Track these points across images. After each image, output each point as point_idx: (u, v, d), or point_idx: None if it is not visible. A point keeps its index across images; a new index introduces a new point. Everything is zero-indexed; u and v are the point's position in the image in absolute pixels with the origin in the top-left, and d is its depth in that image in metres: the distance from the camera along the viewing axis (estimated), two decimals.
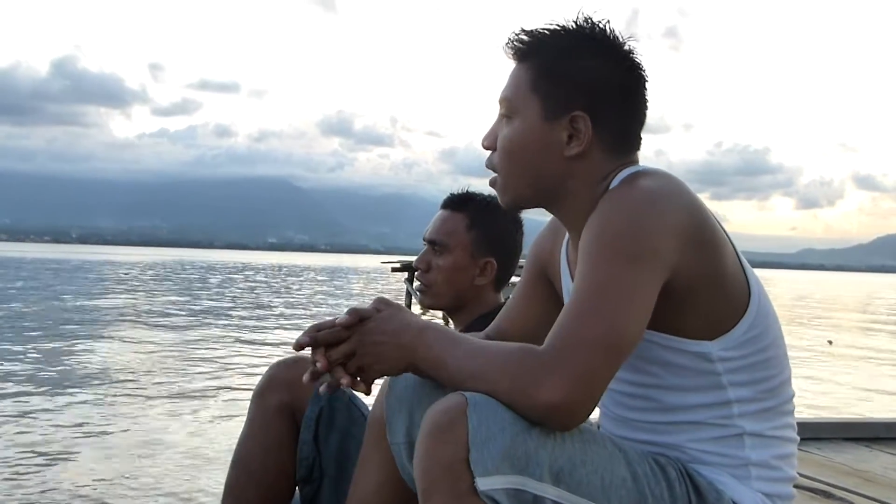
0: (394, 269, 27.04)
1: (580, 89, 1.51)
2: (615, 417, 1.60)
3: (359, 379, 1.50)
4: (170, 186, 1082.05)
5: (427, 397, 1.51)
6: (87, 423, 7.03)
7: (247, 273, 54.41)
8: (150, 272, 49.42)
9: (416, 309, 21.95)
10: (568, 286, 1.67)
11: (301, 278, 48.67)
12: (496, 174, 1.61)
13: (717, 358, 1.47)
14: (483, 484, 1.26)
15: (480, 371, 1.35)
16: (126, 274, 45.17)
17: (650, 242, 1.36)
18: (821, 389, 10.60)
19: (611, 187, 1.51)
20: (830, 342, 17.81)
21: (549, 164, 1.54)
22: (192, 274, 48.94)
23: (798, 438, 1.59)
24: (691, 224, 1.41)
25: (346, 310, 1.52)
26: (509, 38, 1.58)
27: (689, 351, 1.47)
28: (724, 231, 1.50)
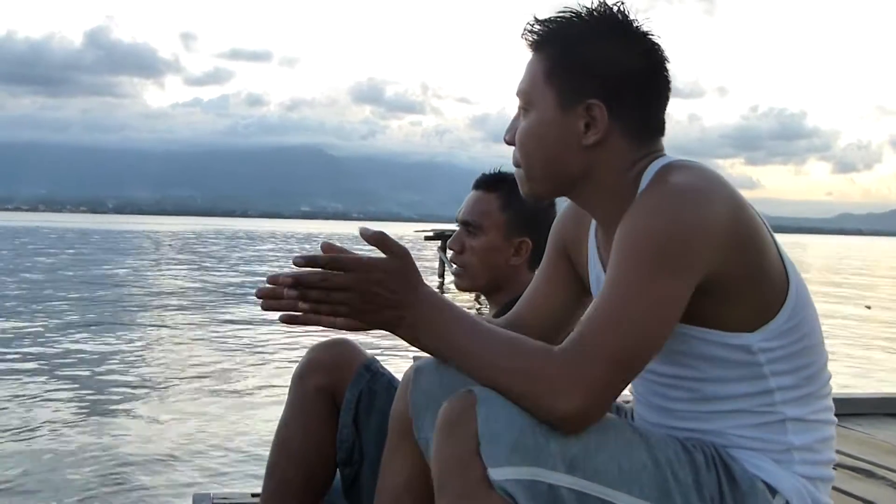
0: (427, 238, 27.11)
1: (593, 76, 1.48)
2: (652, 405, 1.59)
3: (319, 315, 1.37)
4: (203, 156, 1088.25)
5: (457, 388, 1.50)
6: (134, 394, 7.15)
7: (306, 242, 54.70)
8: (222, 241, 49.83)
9: (448, 279, 21.95)
10: (598, 274, 1.64)
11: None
12: (520, 168, 1.58)
13: (759, 349, 1.46)
14: (496, 475, 1.29)
15: (493, 365, 1.35)
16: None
17: (685, 250, 1.34)
18: (860, 361, 10.37)
19: (642, 180, 1.48)
20: (869, 307, 17.58)
21: (568, 155, 1.51)
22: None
23: (836, 421, 1.58)
24: (730, 223, 1.39)
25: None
26: (524, 29, 1.55)
27: (730, 344, 1.45)
28: (762, 219, 1.48)
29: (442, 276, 23.41)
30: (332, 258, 1.36)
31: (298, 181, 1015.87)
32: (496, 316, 2.44)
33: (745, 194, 1.46)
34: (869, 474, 2.61)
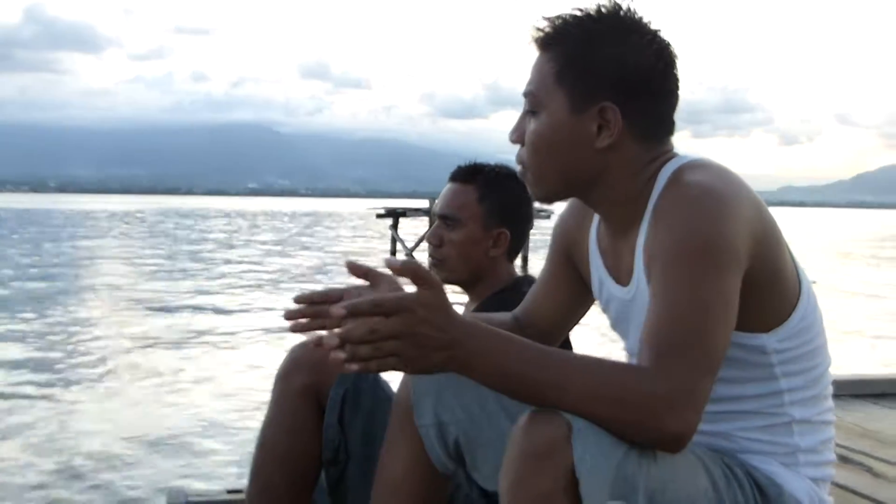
0: (378, 216, 27.01)
1: (606, 79, 1.45)
2: None
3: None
4: (147, 133, 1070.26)
5: (457, 377, 1.45)
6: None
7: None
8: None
9: (400, 256, 21.92)
10: (599, 273, 1.64)
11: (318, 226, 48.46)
12: (525, 168, 1.55)
13: (772, 350, 1.46)
14: None
15: (584, 396, 1.25)
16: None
17: (729, 246, 1.33)
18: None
19: (657, 182, 1.47)
20: (814, 282, 17.80)
21: (580, 158, 1.49)
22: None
23: (835, 420, 1.59)
24: (756, 220, 1.40)
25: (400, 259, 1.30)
26: (531, 26, 1.51)
27: (745, 344, 1.45)
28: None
29: (394, 252, 23.35)
30: (376, 303, 1.21)
31: (245, 158, 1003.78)
32: (477, 309, 2.43)
33: None
34: (844, 459, 2.64)
